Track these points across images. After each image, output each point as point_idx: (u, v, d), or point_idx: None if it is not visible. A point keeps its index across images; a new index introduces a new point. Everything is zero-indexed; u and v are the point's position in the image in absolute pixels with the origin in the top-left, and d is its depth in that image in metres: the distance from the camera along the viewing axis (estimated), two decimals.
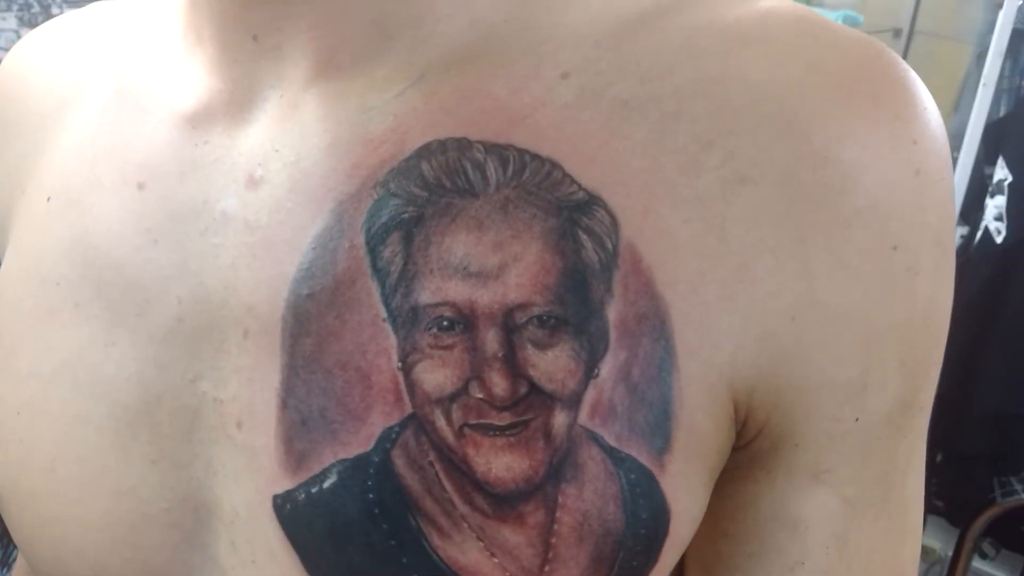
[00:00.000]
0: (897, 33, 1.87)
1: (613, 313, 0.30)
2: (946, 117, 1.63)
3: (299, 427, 0.31)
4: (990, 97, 1.34)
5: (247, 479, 0.32)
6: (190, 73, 0.36)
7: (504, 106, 0.31)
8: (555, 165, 0.30)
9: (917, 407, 0.34)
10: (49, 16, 0.83)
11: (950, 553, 1.59)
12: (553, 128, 0.31)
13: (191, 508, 0.34)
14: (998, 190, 1.33)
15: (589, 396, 0.29)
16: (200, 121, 0.35)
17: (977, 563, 1.75)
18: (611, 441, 0.30)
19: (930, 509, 1.78)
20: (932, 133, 0.31)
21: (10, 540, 0.95)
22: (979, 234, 1.36)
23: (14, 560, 0.97)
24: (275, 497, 0.31)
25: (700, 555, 0.37)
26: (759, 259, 0.30)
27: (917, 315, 0.32)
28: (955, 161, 1.42)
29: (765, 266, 0.30)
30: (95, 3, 0.46)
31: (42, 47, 0.45)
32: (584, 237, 0.30)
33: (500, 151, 0.30)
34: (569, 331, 0.29)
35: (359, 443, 0.30)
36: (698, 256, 0.30)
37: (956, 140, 1.41)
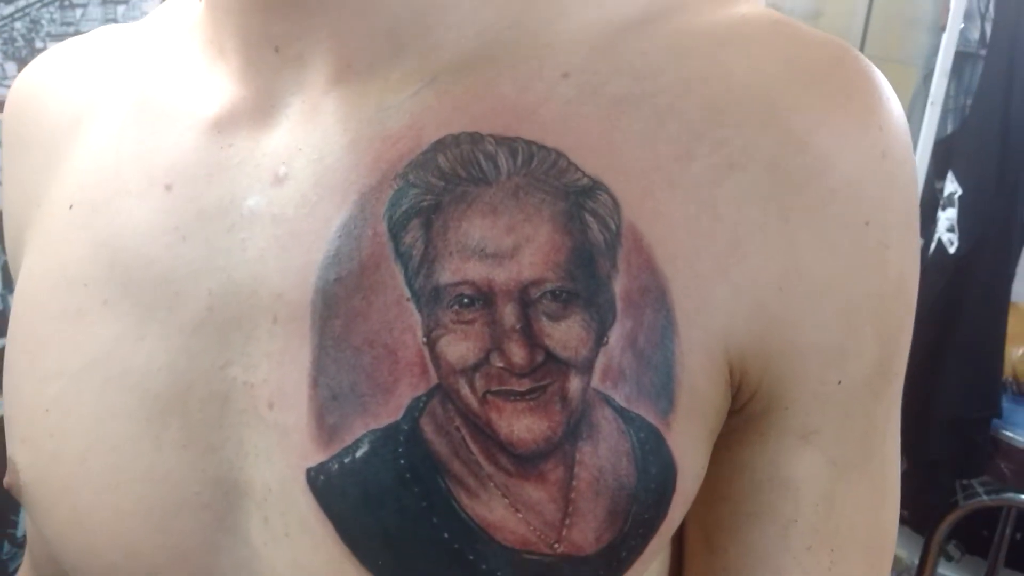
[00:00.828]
0: None
1: (619, 287, 0.32)
2: None
3: (330, 402, 0.33)
4: (937, 115, 1.40)
5: (279, 456, 0.34)
6: (213, 83, 0.38)
7: (511, 103, 0.34)
8: (560, 155, 0.33)
9: (893, 373, 0.37)
10: (33, 49, 0.85)
11: (916, 561, 1.63)
12: (557, 122, 0.34)
13: (222, 490, 0.36)
14: (949, 203, 1.39)
15: (600, 362, 0.32)
16: (225, 126, 0.37)
17: (943, 569, 1.79)
18: (621, 402, 0.32)
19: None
20: (895, 120, 0.35)
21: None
22: (933, 246, 1.42)
23: None
24: (308, 470, 0.33)
25: (701, 521, 0.39)
26: (748, 236, 0.33)
27: (890, 286, 0.35)
28: None
29: (754, 242, 0.33)
30: (100, 28, 0.49)
31: (52, 68, 0.47)
32: (590, 219, 0.33)
33: (510, 143, 0.33)
34: (580, 303, 0.32)
35: (389, 413, 0.32)
36: (693, 234, 0.33)
37: None
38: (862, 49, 1.89)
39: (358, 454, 0.32)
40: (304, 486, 0.33)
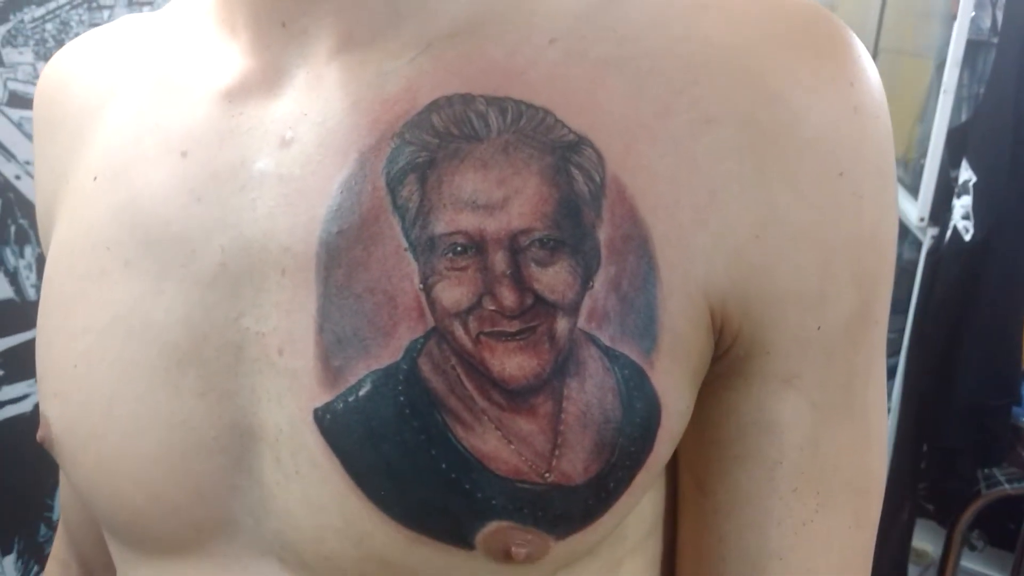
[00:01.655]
0: None
1: (603, 235, 0.35)
2: (913, 126, 1.71)
3: (335, 346, 0.35)
4: (951, 104, 1.41)
5: (289, 399, 0.36)
6: (226, 58, 0.41)
7: (501, 66, 0.36)
8: (548, 113, 0.35)
9: (872, 320, 0.39)
10: None
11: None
12: (545, 83, 0.36)
13: (238, 434, 0.38)
14: (964, 191, 1.40)
15: (586, 304, 0.34)
16: (236, 96, 0.40)
17: (967, 562, 1.79)
18: (606, 341, 0.34)
19: (921, 513, 1.82)
20: (867, 77, 0.37)
21: (31, 556, 0.98)
22: (948, 233, 1.43)
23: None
24: (316, 410, 0.36)
25: (691, 465, 0.41)
26: (726, 187, 0.35)
27: (865, 234, 0.37)
28: (921, 167, 1.48)
29: (731, 193, 0.35)
30: (121, 18, 0.52)
31: (77, 56, 0.50)
32: (575, 172, 0.35)
33: (500, 102, 0.35)
34: (566, 251, 0.34)
35: (389, 355, 0.34)
36: (673, 186, 0.35)
37: (923, 146, 1.48)
38: (876, 42, 1.90)
39: (361, 393, 0.35)
40: (312, 425, 0.36)
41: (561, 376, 0.34)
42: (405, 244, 0.35)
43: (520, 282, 0.34)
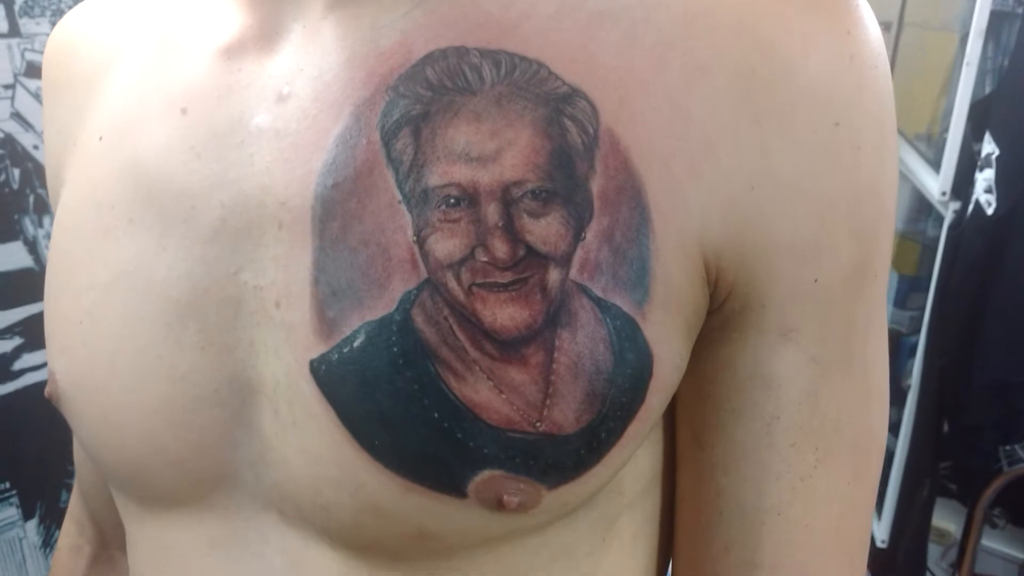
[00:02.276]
0: (887, 26, 1.93)
1: (596, 186, 0.35)
2: (938, 100, 1.68)
3: (330, 298, 0.36)
4: (973, 76, 1.38)
5: (287, 351, 0.37)
6: (225, 15, 0.41)
7: (496, 19, 0.36)
8: (541, 65, 0.35)
9: (871, 274, 0.38)
10: None
11: None
12: (538, 35, 0.36)
13: (237, 387, 0.39)
14: (986, 164, 1.38)
15: (578, 256, 0.34)
16: (234, 53, 0.40)
17: (989, 541, 1.77)
18: (598, 292, 0.34)
19: (943, 492, 1.80)
20: (864, 26, 0.36)
21: (53, 521, 1.00)
22: (971, 207, 1.41)
23: (55, 542, 1.02)
24: (311, 361, 0.36)
25: (689, 419, 0.41)
26: (720, 138, 0.35)
27: (862, 186, 0.36)
28: (944, 141, 1.46)
29: (725, 144, 0.35)
30: None
31: (85, 18, 0.50)
32: (568, 124, 0.35)
33: (493, 55, 0.35)
34: (559, 202, 0.34)
35: (383, 306, 0.35)
36: (668, 137, 0.35)
37: (947, 120, 1.46)
38: (901, 16, 1.87)
39: (355, 344, 0.35)
40: (308, 376, 0.36)
41: (552, 327, 0.34)
42: (399, 196, 0.35)
43: (512, 233, 0.34)
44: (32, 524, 0.95)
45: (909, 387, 1.65)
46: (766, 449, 0.39)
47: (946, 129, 1.46)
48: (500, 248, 0.34)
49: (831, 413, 0.39)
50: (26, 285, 0.98)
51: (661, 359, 0.36)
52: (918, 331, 1.65)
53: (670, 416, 0.42)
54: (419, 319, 0.35)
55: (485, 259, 0.34)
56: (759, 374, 0.38)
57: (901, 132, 1.74)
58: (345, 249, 0.35)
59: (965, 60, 1.37)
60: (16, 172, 0.90)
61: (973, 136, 1.43)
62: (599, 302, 0.35)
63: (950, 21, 1.72)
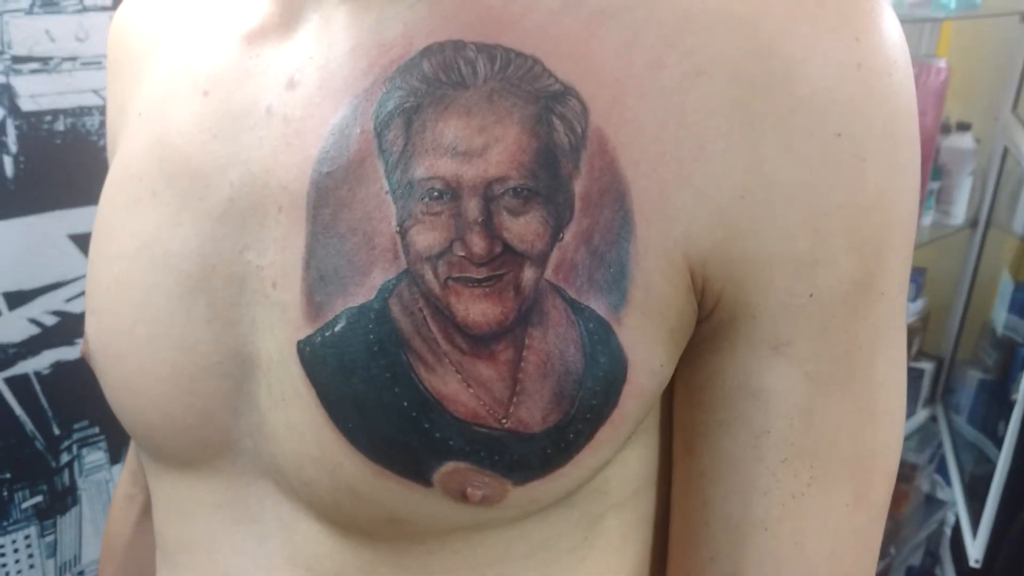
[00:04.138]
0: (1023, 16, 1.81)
1: (579, 187, 0.34)
2: None
3: (318, 283, 0.37)
4: None
5: (280, 330, 0.38)
6: (252, 2, 0.43)
7: (497, 13, 0.36)
8: (536, 61, 0.35)
9: (877, 292, 0.36)
10: None
11: None
12: (538, 30, 0.36)
13: (239, 361, 0.40)
14: None
15: (554, 256, 0.34)
16: (255, 38, 0.41)
17: None
18: (572, 294, 0.34)
19: None
20: (879, 31, 0.34)
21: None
22: None
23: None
24: (298, 342, 0.37)
25: (680, 427, 0.41)
26: (713, 143, 0.34)
27: (866, 199, 0.35)
28: None
29: (718, 149, 0.34)
30: None
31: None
32: (557, 122, 0.35)
33: (489, 50, 0.35)
34: (539, 201, 0.34)
35: (363, 294, 0.36)
36: (658, 140, 0.34)
37: None
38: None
39: (337, 328, 0.36)
40: (295, 356, 0.37)
41: (524, 325, 0.35)
42: (387, 187, 0.36)
43: (491, 230, 0.34)
44: (118, 468, 1.01)
45: (1015, 400, 1.56)
46: (754, 463, 0.38)
47: None
48: (477, 244, 0.34)
49: (828, 432, 0.37)
50: None
51: (637, 364, 0.35)
52: None
53: (667, 418, 0.42)
54: (396, 309, 0.35)
55: (462, 254, 0.34)
56: (748, 386, 0.37)
57: None
58: (334, 236, 0.36)
59: None
60: None
61: None
62: (573, 303, 0.34)
63: None
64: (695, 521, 0.40)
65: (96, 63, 0.89)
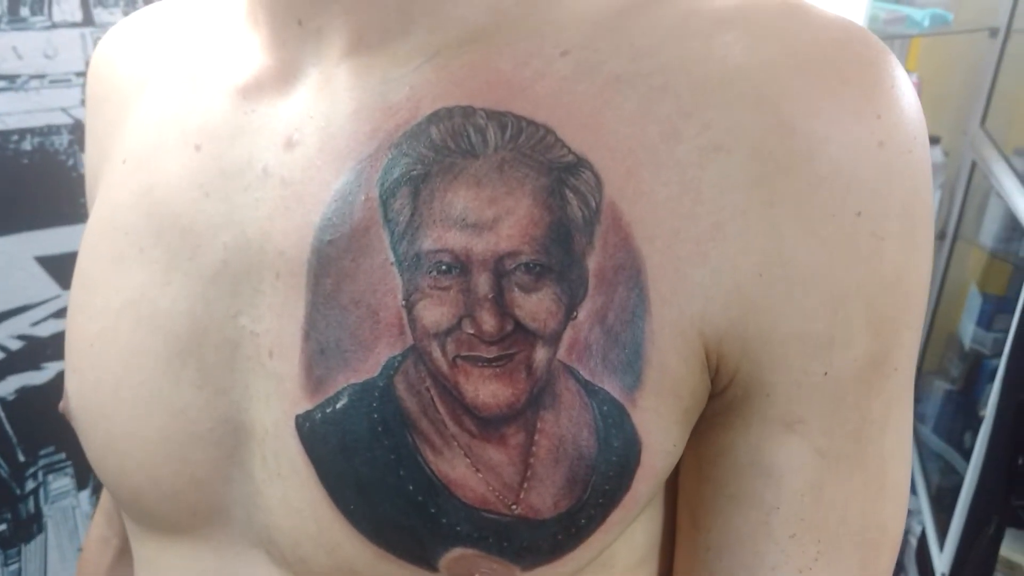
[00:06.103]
0: (993, 32, 1.82)
1: (593, 263, 0.33)
2: None
3: (318, 356, 0.35)
4: None
5: (275, 402, 0.37)
6: (246, 53, 0.41)
7: (507, 79, 0.35)
8: (549, 131, 0.34)
9: (890, 367, 0.36)
10: None
11: None
12: (550, 98, 0.34)
13: (231, 428, 0.39)
14: None
15: (568, 335, 0.33)
16: (251, 93, 0.40)
17: None
18: (586, 375, 0.33)
19: (1016, 523, 1.72)
20: (900, 108, 0.34)
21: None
22: None
23: None
24: (297, 417, 0.36)
25: (687, 500, 0.40)
26: (731, 220, 0.33)
27: (885, 277, 0.34)
28: None
29: (736, 227, 0.33)
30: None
31: (128, 34, 0.51)
32: (570, 195, 0.33)
33: (500, 117, 0.34)
34: (552, 277, 0.33)
35: (367, 370, 0.34)
36: (674, 216, 0.33)
37: None
38: (1010, 23, 1.77)
39: (338, 405, 0.35)
40: (293, 431, 0.36)
41: (535, 407, 0.33)
42: (392, 258, 0.34)
43: (501, 307, 0.33)
44: (85, 495, 0.98)
45: (983, 417, 1.58)
46: (763, 539, 0.37)
47: None
48: (488, 321, 0.33)
49: (837, 507, 0.37)
50: None
51: (651, 447, 0.34)
52: (999, 355, 1.57)
53: (672, 489, 0.41)
54: (401, 387, 0.34)
55: (472, 331, 0.33)
56: (760, 463, 0.36)
57: (998, 147, 1.65)
58: (336, 307, 0.35)
59: None
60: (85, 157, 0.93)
61: None
62: (587, 385, 0.33)
63: None
64: None
65: (65, 80, 0.86)
